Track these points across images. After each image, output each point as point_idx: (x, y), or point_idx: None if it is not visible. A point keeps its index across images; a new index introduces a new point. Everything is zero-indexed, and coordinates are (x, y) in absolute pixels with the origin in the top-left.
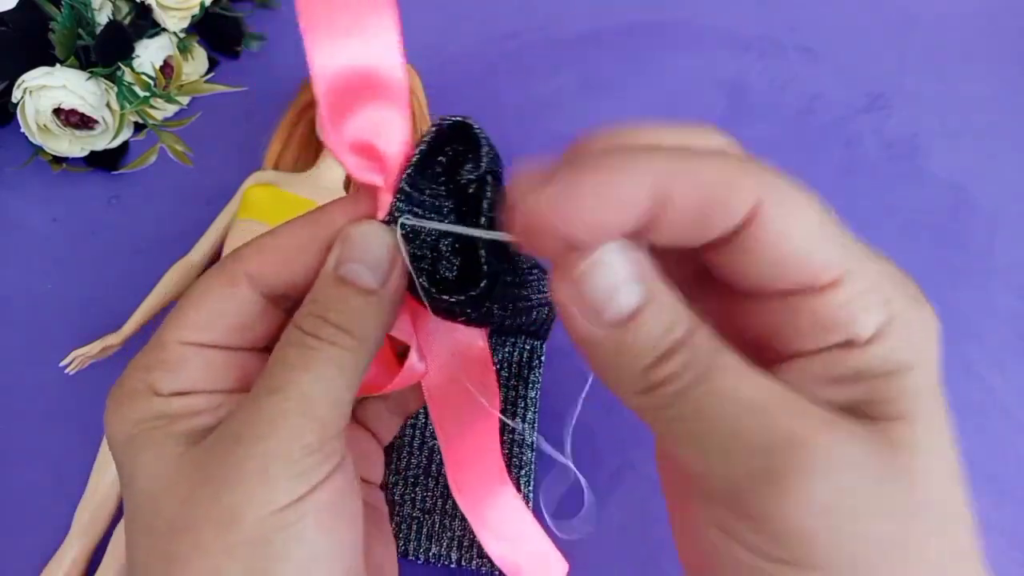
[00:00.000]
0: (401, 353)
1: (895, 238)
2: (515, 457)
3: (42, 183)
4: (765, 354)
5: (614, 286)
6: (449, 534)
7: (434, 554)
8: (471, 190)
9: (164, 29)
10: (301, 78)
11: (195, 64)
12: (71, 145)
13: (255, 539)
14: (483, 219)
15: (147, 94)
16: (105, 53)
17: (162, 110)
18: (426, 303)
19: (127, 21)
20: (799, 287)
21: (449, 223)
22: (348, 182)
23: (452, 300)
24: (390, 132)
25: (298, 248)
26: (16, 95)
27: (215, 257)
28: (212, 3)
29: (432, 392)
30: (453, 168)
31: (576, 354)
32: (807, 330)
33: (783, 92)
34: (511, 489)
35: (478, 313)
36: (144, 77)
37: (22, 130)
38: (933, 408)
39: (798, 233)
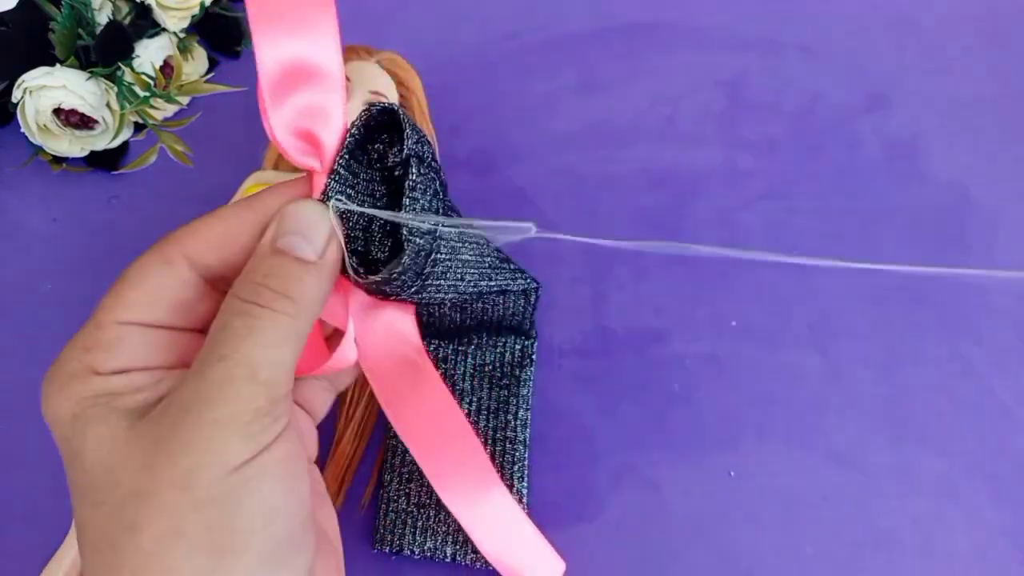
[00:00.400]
0: (329, 336)
1: (895, 238)
2: (507, 453)
3: (42, 183)
4: None
5: None
6: (444, 528)
7: (429, 548)
8: (397, 172)
9: (164, 29)
10: None
11: (195, 64)
12: (71, 145)
13: (214, 497)
14: (406, 199)
15: (147, 94)
16: (105, 53)
17: (162, 110)
18: (358, 281)
19: (127, 21)
20: None
21: (381, 207)
22: None
23: (378, 278)
24: (327, 119)
25: (233, 228)
26: (16, 95)
27: None
28: (212, 3)
29: (374, 375)
30: (385, 154)
31: (567, 353)
32: None
33: (783, 92)
34: (500, 487)
35: (408, 291)
36: (144, 77)
37: (22, 130)
38: None
39: None
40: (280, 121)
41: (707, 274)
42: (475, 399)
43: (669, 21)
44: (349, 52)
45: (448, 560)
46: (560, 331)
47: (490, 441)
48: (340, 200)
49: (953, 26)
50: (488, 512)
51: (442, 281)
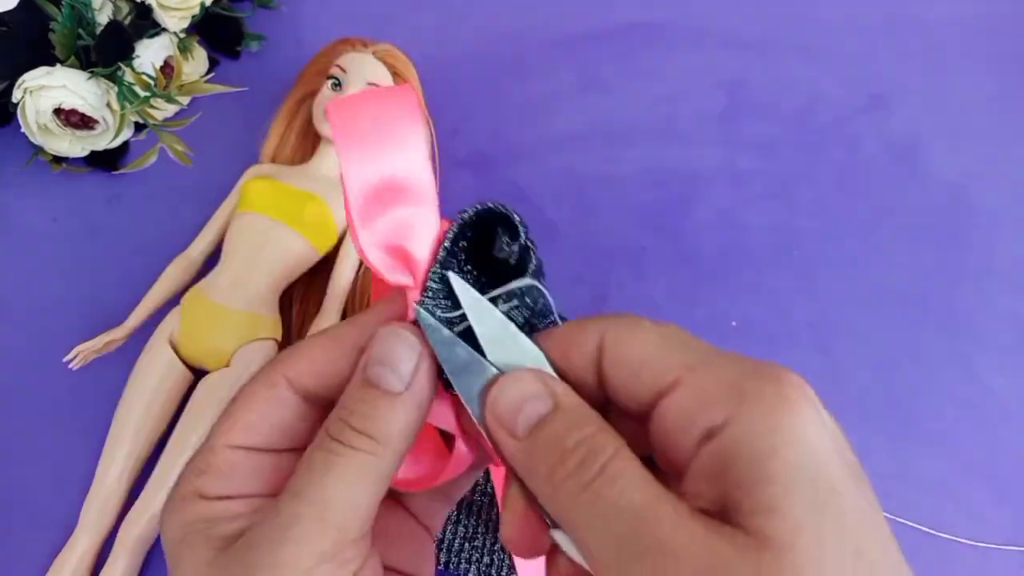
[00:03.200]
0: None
1: (895, 238)
2: None
3: (42, 183)
4: (672, 467)
5: (522, 399)
6: (439, 535)
7: None
8: (513, 261)
9: (164, 29)
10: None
11: (195, 64)
12: (71, 145)
13: None
14: (529, 277)
15: (147, 94)
16: (105, 53)
17: (162, 110)
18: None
19: (127, 21)
20: (654, 394)
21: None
22: None
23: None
24: (419, 234)
25: (331, 350)
26: (16, 95)
27: (215, 251)
28: (212, 3)
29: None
30: (478, 249)
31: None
32: (676, 432)
33: (783, 92)
34: None
35: None
36: (144, 77)
37: (22, 130)
38: (806, 494)
39: (635, 347)
40: (370, 239)
41: (707, 274)
42: None
43: (669, 21)
44: (345, 44)
45: (440, 567)
46: None
47: None
48: (428, 317)
49: (953, 26)
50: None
51: None
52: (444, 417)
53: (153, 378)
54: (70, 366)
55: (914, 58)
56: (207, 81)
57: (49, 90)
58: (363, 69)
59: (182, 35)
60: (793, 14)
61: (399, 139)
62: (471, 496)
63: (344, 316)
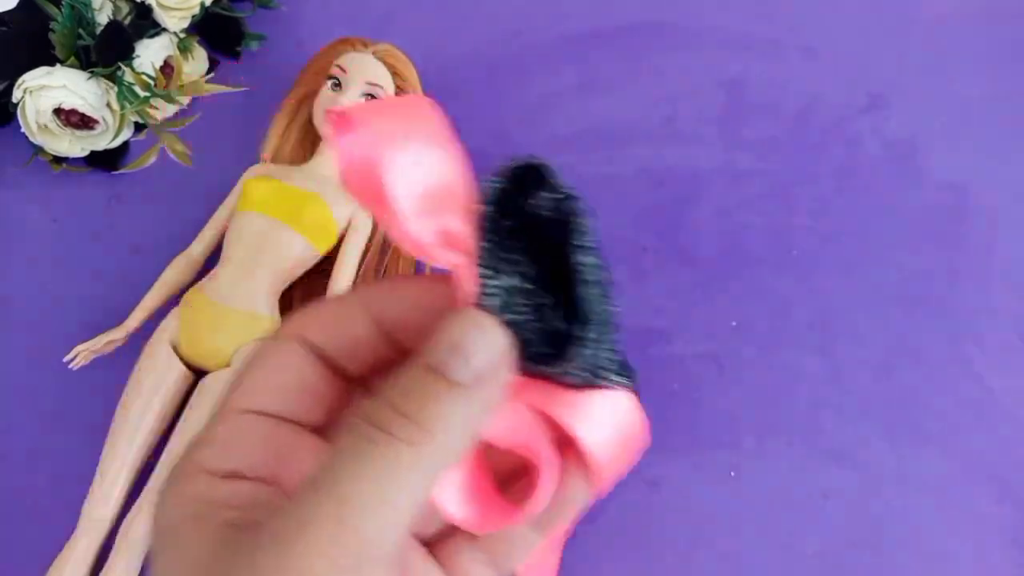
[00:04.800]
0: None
1: (895, 238)
2: None
3: (42, 183)
4: None
5: None
6: None
7: None
8: (545, 213)
9: (164, 29)
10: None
11: (195, 64)
12: (71, 145)
13: None
14: (578, 242)
15: (147, 94)
16: (105, 53)
17: (162, 110)
18: (535, 372)
19: (127, 21)
20: None
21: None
22: None
23: (559, 370)
24: (456, 208)
25: (343, 312)
26: (16, 95)
27: (215, 250)
28: (212, 3)
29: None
30: (518, 215)
31: None
32: None
33: (783, 92)
34: None
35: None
36: (144, 77)
37: (22, 130)
38: None
39: None
40: (419, 226)
41: (707, 274)
42: None
43: (669, 21)
44: (345, 44)
45: None
46: None
47: None
48: (491, 293)
49: (953, 26)
50: None
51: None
52: (519, 433)
53: (153, 378)
54: (70, 366)
55: (914, 58)
56: (207, 81)
57: (49, 90)
58: (363, 69)
59: (182, 35)
60: (793, 14)
61: (417, 128)
62: None
63: None
